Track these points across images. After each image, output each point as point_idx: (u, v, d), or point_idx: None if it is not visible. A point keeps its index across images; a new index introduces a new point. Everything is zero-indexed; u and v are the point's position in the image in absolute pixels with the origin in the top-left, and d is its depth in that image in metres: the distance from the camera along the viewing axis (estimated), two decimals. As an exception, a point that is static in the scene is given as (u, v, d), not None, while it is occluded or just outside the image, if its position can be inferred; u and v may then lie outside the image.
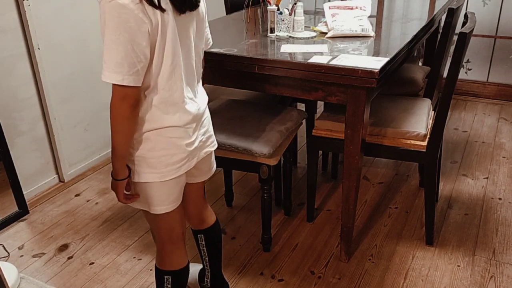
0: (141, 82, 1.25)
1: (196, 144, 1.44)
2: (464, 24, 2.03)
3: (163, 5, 1.22)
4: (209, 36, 1.55)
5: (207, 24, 1.51)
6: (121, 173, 1.36)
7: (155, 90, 1.31)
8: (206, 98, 1.52)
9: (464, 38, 1.86)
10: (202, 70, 1.50)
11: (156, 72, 1.29)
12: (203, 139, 1.49)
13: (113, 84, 1.23)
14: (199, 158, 1.48)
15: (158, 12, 1.21)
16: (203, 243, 1.77)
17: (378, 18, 2.56)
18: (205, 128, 1.50)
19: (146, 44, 1.22)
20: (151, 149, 1.35)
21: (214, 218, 1.76)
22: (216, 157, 1.71)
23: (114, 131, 1.28)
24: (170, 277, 1.58)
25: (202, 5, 1.41)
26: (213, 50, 1.91)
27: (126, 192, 1.42)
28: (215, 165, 1.66)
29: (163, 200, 1.43)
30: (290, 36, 2.13)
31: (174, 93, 1.33)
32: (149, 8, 1.19)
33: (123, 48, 1.19)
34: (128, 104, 1.25)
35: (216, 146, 1.59)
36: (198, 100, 1.45)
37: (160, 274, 1.59)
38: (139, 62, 1.22)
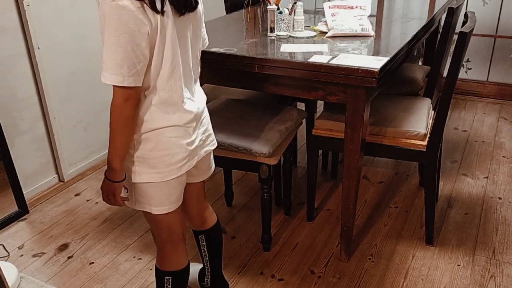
0: (141, 82, 1.25)
1: (196, 143, 1.44)
2: (464, 23, 2.03)
3: (164, 8, 1.22)
4: (205, 36, 1.55)
5: (203, 24, 1.51)
6: (120, 174, 1.35)
7: (155, 91, 1.31)
8: (205, 98, 1.53)
9: (464, 38, 1.86)
10: (199, 70, 1.50)
11: (155, 73, 1.28)
12: (203, 138, 1.49)
13: (115, 86, 1.22)
14: (200, 157, 1.49)
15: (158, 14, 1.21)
16: (204, 243, 1.77)
17: (378, 17, 2.56)
18: (205, 127, 1.51)
19: (146, 45, 1.21)
20: (152, 149, 1.35)
21: (215, 219, 1.76)
22: (216, 157, 1.71)
23: (117, 132, 1.27)
24: (170, 277, 1.58)
25: (200, 5, 1.41)
26: (213, 49, 1.91)
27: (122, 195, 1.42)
28: (214, 164, 1.67)
29: (164, 200, 1.43)
30: (290, 36, 2.13)
31: (173, 94, 1.33)
32: (149, 10, 1.19)
33: (123, 49, 1.18)
34: (131, 105, 1.24)
35: (215, 144, 1.59)
36: (196, 99, 1.45)
37: (160, 275, 1.59)
38: (138, 62, 1.21)
